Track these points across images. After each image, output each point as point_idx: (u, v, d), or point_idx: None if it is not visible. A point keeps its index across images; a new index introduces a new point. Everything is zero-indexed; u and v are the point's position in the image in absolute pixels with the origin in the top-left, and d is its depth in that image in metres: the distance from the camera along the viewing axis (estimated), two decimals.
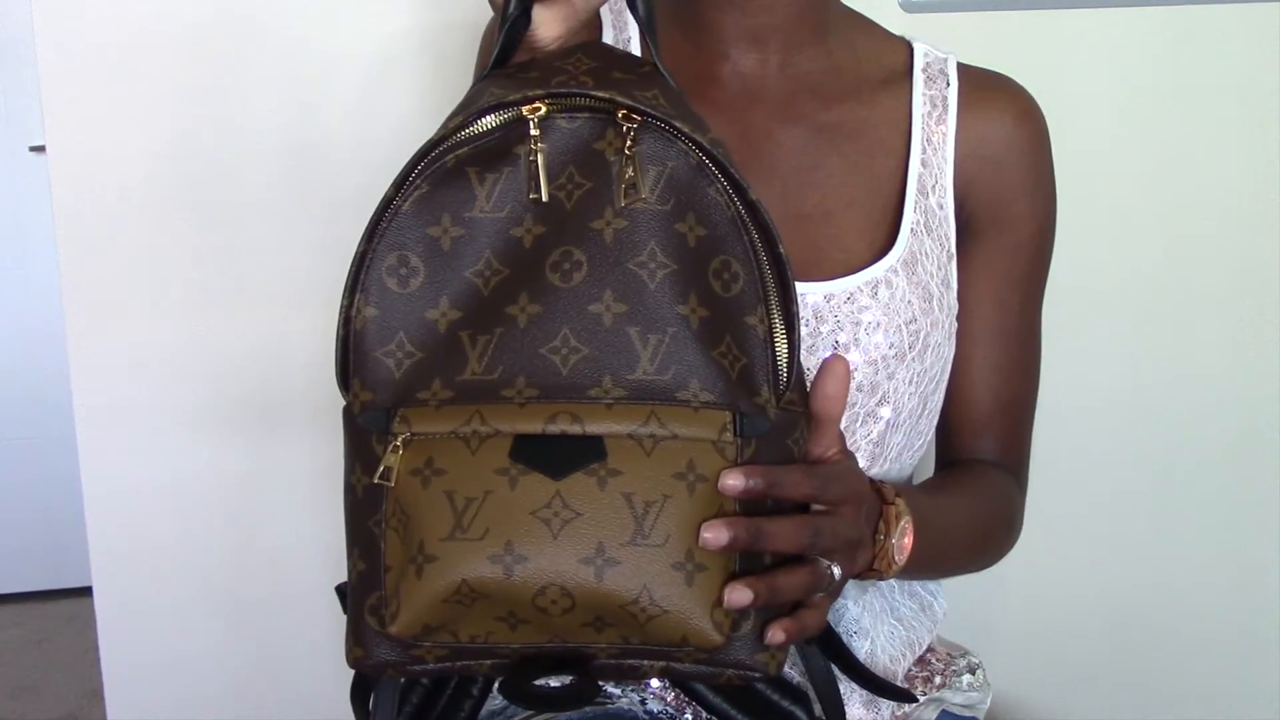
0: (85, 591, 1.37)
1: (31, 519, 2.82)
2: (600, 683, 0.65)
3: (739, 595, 0.59)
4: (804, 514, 0.64)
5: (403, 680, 0.71)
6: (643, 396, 0.61)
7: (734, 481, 0.60)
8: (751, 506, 0.62)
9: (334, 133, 1.21)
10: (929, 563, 0.78)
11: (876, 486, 0.75)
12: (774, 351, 0.63)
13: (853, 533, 0.66)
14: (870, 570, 0.74)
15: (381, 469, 0.61)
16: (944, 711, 0.94)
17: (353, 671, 0.69)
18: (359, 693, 0.72)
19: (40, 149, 2.06)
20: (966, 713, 0.95)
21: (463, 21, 1.19)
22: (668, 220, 0.63)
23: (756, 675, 0.63)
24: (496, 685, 0.64)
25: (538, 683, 0.62)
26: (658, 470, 0.60)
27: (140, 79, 1.17)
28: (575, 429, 0.60)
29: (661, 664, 0.63)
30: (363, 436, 0.63)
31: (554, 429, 0.60)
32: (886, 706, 0.91)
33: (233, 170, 1.20)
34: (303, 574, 1.29)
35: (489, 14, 0.81)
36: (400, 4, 1.20)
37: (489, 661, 0.63)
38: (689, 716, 0.88)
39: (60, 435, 2.39)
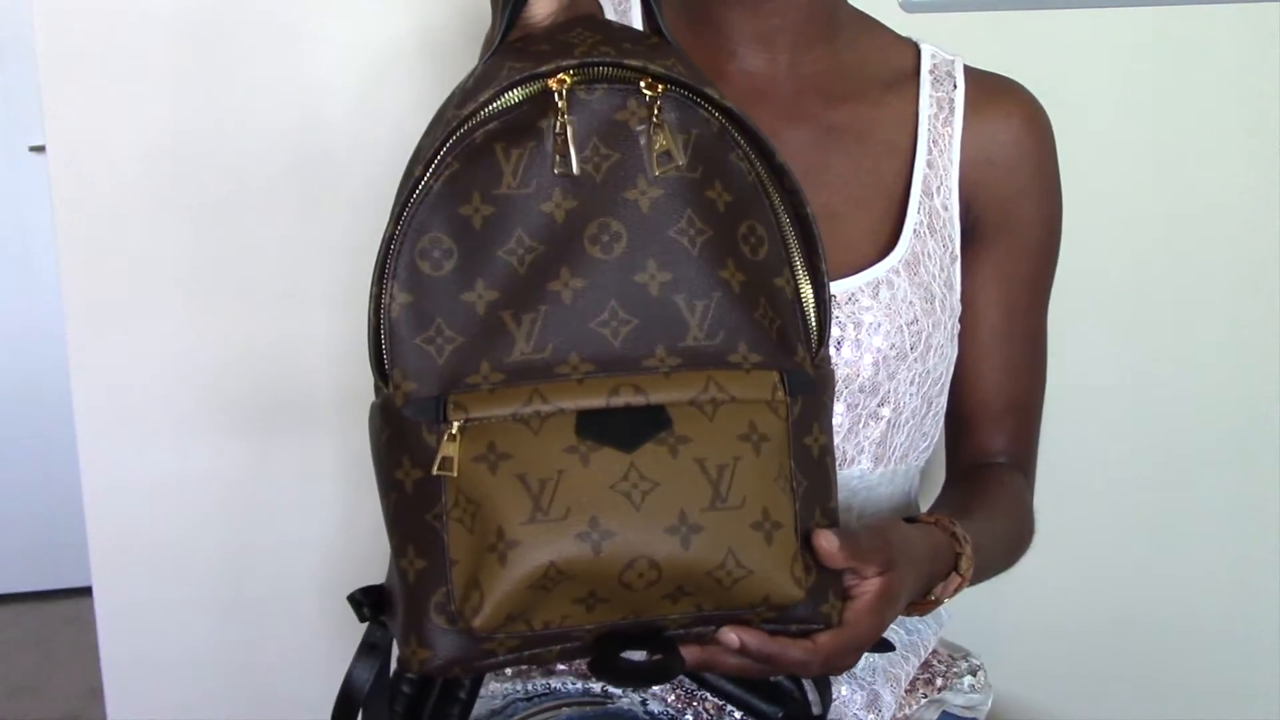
0: (85, 591, 1.37)
1: (31, 519, 2.82)
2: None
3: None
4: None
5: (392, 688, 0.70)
6: (697, 363, 0.61)
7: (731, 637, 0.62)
8: (804, 461, 0.62)
9: (335, 133, 1.21)
10: (976, 577, 0.79)
11: (953, 532, 0.76)
12: (803, 311, 0.64)
13: (851, 662, 0.67)
14: (914, 606, 0.75)
15: (440, 459, 0.59)
16: (945, 713, 0.94)
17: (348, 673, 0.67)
18: (343, 713, 0.68)
19: (40, 149, 2.06)
20: (968, 714, 0.95)
21: (463, 21, 1.19)
22: (699, 187, 0.63)
23: (819, 627, 0.64)
24: (587, 663, 0.63)
25: (625, 655, 0.61)
26: (723, 433, 0.60)
27: (140, 79, 1.17)
28: (639, 400, 0.60)
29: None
30: (409, 429, 0.60)
31: (618, 401, 0.59)
32: (887, 707, 0.91)
33: (233, 170, 1.20)
34: (303, 573, 1.29)
35: (489, 17, 0.81)
36: (399, 4, 1.20)
37: (558, 647, 0.62)
38: (689, 717, 0.88)
39: (60, 435, 2.39)
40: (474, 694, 0.72)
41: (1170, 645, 1.43)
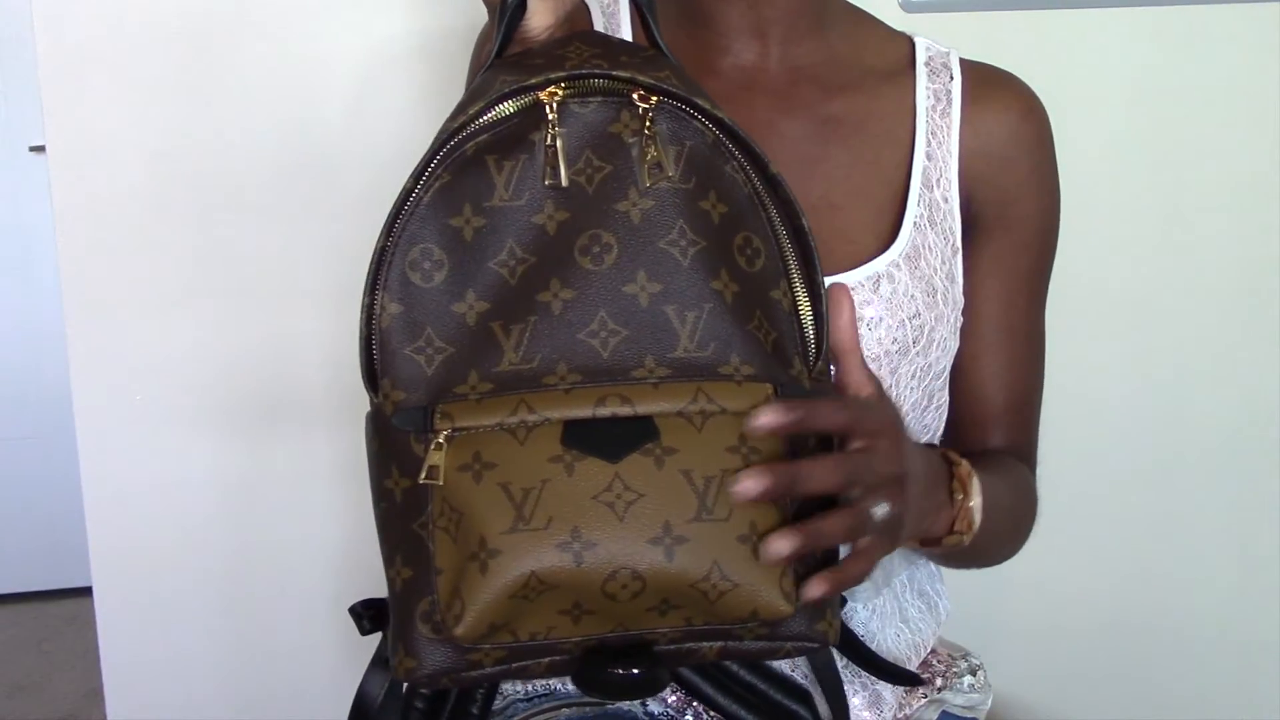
0: (85, 591, 1.37)
1: (31, 519, 2.82)
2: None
3: (778, 545, 0.57)
4: (840, 452, 0.62)
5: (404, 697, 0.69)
6: (687, 374, 0.61)
7: (766, 419, 0.58)
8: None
9: (333, 132, 1.21)
10: (987, 533, 0.78)
11: (942, 451, 0.77)
12: (800, 323, 0.63)
13: (892, 468, 0.64)
14: (951, 533, 0.75)
15: (426, 468, 0.59)
16: (945, 713, 0.94)
17: (354, 674, 0.68)
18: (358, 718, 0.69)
19: (40, 149, 2.06)
20: (967, 714, 0.95)
21: (459, 24, 1.19)
22: (692, 198, 0.62)
23: (815, 646, 0.63)
24: (571, 676, 0.63)
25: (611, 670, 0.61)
26: (711, 445, 0.59)
27: (140, 79, 1.17)
28: (626, 410, 0.59)
29: (720, 644, 0.63)
30: (398, 438, 0.61)
31: (604, 412, 0.59)
32: (888, 707, 0.91)
33: (232, 170, 1.20)
34: (302, 573, 1.29)
35: (484, 17, 0.81)
36: (398, 5, 1.20)
37: (547, 660, 0.62)
38: (689, 717, 0.88)
39: (60, 435, 2.39)
40: (487, 708, 0.71)
41: (1170, 645, 1.43)
